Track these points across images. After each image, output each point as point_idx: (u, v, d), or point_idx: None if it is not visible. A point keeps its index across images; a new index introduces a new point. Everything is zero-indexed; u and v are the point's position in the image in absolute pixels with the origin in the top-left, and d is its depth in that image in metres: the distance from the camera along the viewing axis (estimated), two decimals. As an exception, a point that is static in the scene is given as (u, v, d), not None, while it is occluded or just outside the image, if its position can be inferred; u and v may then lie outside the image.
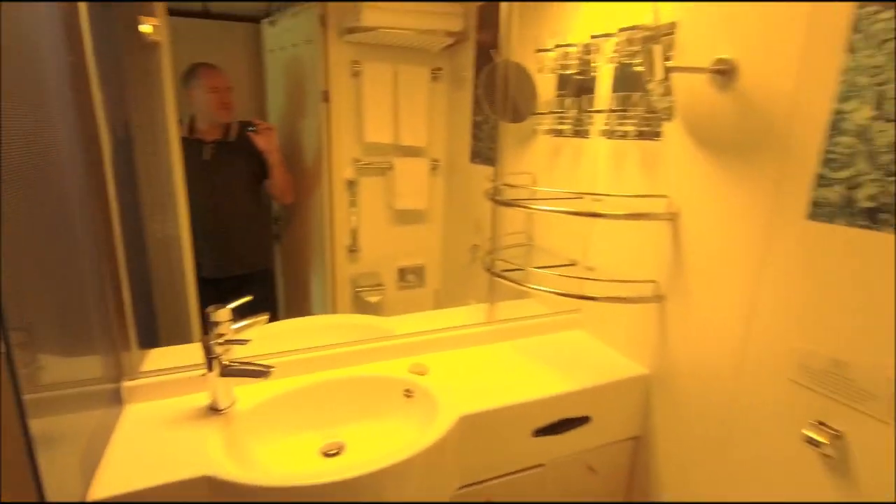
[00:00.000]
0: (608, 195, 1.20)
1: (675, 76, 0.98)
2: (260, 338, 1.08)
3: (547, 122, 1.38)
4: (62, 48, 0.83)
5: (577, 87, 1.28)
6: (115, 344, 0.99)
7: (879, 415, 0.75)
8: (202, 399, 1.04)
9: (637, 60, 1.03)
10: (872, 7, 0.70)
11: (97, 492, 0.78)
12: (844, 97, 0.75)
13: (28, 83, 0.68)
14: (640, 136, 1.12)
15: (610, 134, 1.20)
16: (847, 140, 0.75)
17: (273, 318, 1.49)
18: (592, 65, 1.20)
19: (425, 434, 0.97)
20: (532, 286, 1.22)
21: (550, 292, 1.20)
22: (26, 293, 0.63)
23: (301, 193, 1.91)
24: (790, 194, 0.84)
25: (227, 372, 0.98)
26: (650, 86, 0.92)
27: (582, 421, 1.16)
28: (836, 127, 0.76)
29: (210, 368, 0.98)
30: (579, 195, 1.28)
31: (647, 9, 0.90)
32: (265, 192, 1.84)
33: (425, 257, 2.09)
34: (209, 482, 0.83)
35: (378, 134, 1.86)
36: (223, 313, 1.06)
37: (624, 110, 1.09)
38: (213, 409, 1.00)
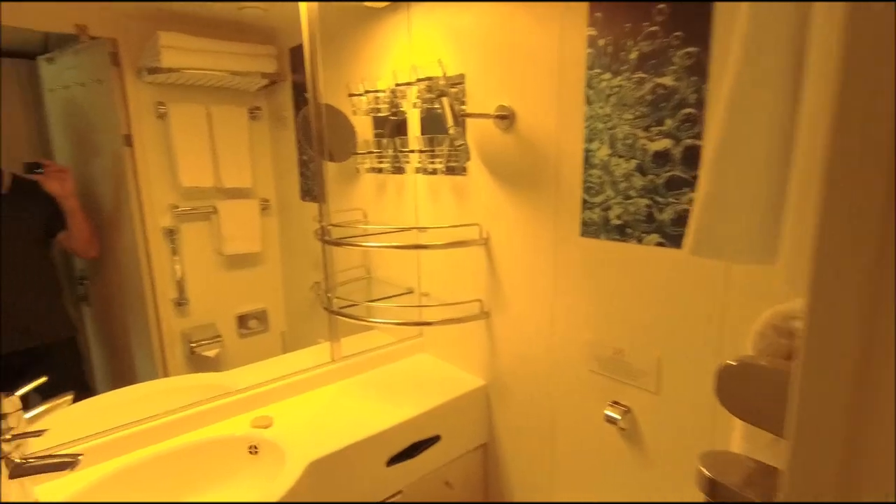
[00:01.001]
0: (430, 227, 1.31)
1: (470, 120, 1.12)
2: (72, 420, 0.94)
3: (368, 161, 1.45)
4: None
5: (392, 128, 1.37)
6: None
7: (650, 387, 0.94)
8: (-13, 514, 0.86)
9: (436, 106, 1.15)
10: (596, 70, 0.90)
11: None
12: (589, 139, 0.94)
13: None
14: (450, 171, 1.25)
15: (423, 171, 1.31)
16: (596, 172, 0.94)
17: (86, 394, 1.30)
18: (401, 109, 1.31)
19: (272, 490, 0.94)
20: (372, 320, 1.26)
21: (390, 324, 1.25)
22: None
23: (115, 250, 1.70)
24: (566, 216, 1.02)
25: (21, 471, 0.83)
26: (448, 129, 1.04)
27: (433, 441, 1.23)
28: (588, 162, 0.95)
29: (-5, 474, 0.82)
30: (406, 229, 1.37)
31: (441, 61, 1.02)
32: (59, 248, 1.59)
33: (266, 300, 2.01)
34: None
35: (196, 178, 1.75)
36: (9, 403, 0.91)
37: (432, 150, 1.21)
38: (4, 523, 0.84)
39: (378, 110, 1.30)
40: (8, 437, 0.82)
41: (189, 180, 1.73)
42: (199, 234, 1.81)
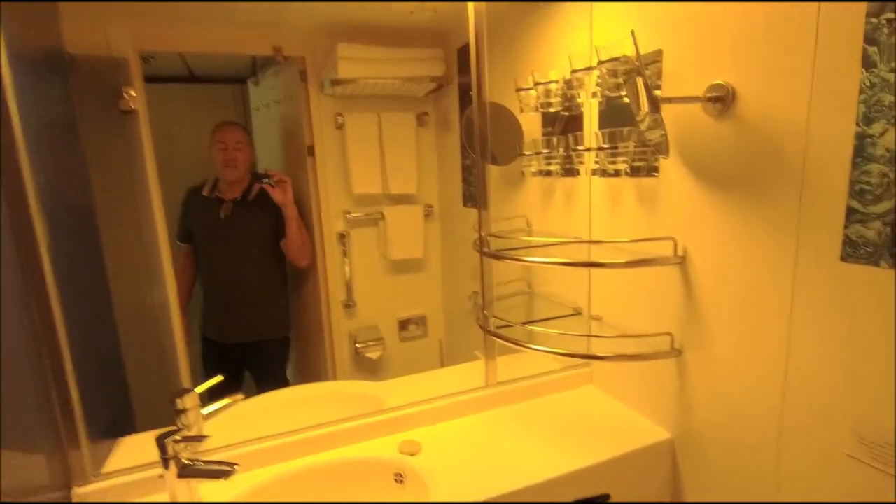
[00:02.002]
0: (607, 241, 1.09)
1: (666, 107, 0.88)
2: (243, 417, 0.96)
3: (535, 163, 1.28)
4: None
5: (563, 124, 1.19)
6: (60, 442, 0.88)
7: (964, 502, 0.60)
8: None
9: (623, 93, 0.93)
10: (887, 15, 0.60)
11: None
12: (867, 119, 0.63)
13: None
14: (635, 172, 1.01)
15: (602, 172, 1.09)
16: (877, 168, 0.63)
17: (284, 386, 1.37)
18: (577, 101, 1.12)
19: (415, 535, 0.83)
20: (533, 346, 1.09)
21: (553, 353, 1.07)
22: None
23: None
24: (816, 232, 0.72)
25: (186, 473, 0.86)
26: (639, 119, 0.82)
27: (601, 500, 1.01)
28: (862, 153, 0.64)
29: (166, 467, 0.86)
30: (576, 241, 1.17)
31: (627, 39, 0.81)
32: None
33: (426, 307, 1.98)
34: None
35: (366, 185, 1.79)
36: (189, 399, 0.96)
37: (614, 147, 0.99)
38: (174, 517, 0.88)
39: (549, 104, 1.13)
40: (178, 438, 0.85)
41: (360, 187, 1.78)
42: (367, 239, 1.85)
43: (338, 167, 1.79)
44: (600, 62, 0.93)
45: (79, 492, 0.90)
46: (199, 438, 0.86)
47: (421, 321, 2.04)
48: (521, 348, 1.10)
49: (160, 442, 0.85)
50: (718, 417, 0.94)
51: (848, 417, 0.72)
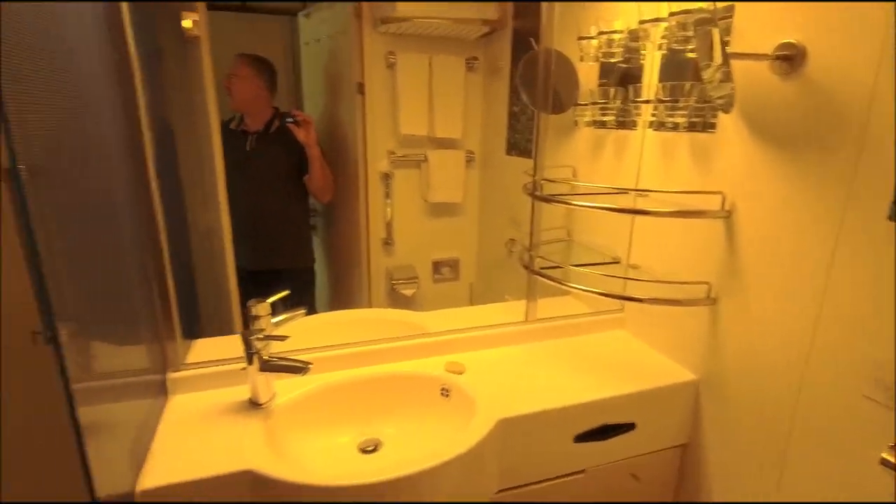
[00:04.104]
0: (653, 191, 1.14)
1: (732, 63, 0.91)
2: (297, 332, 1.08)
3: (589, 114, 1.32)
4: (106, 46, 0.83)
5: (622, 76, 1.21)
6: (160, 334, 1.01)
7: (966, 436, 0.68)
8: (243, 392, 1.04)
9: (690, 46, 0.96)
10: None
11: (146, 482, 0.80)
12: (934, 84, 0.67)
13: (67, 82, 0.67)
14: (692, 127, 1.05)
15: (658, 126, 1.13)
16: (936, 132, 0.67)
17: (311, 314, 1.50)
18: (641, 52, 1.14)
19: (463, 436, 0.95)
20: (573, 286, 1.17)
21: (592, 292, 1.15)
22: (73, 284, 0.63)
23: (342, 189, 1.89)
24: (868, 191, 0.77)
25: (267, 367, 0.98)
26: (706, 73, 0.85)
27: (626, 428, 1.12)
28: (922, 118, 0.69)
29: (250, 362, 0.99)
30: (623, 191, 1.23)
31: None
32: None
33: (460, 251, 2.06)
34: (251, 477, 0.84)
35: (413, 126, 1.83)
36: (263, 307, 1.06)
37: (674, 101, 1.02)
38: (254, 403, 1.01)
39: (611, 55, 1.16)
40: (261, 336, 0.97)
41: (407, 128, 1.82)
42: (409, 181, 1.91)
43: (386, 107, 1.82)
44: (671, 13, 0.95)
45: (172, 376, 1.04)
46: (280, 338, 0.98)
47: (454, 264, 2.12)
48: (563, 286, 1.18)
49: (246, 338, 0.97)
50: (744, 364, 1.02)
51: (869, 363, 0.79)
